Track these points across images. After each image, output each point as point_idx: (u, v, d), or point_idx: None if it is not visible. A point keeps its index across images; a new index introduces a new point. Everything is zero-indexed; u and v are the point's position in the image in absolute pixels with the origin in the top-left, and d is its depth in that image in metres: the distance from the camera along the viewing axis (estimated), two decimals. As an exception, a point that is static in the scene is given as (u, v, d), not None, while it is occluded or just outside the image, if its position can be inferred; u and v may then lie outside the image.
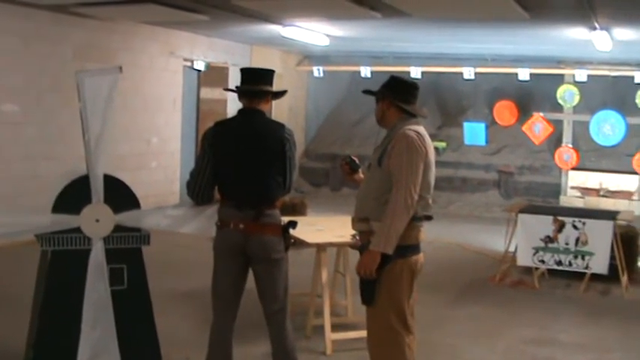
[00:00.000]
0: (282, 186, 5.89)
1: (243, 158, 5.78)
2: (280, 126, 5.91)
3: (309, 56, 20.17)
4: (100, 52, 13.84)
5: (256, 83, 5.92)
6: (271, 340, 6.01)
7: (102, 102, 5.53)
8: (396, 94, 5.34)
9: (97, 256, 5.53)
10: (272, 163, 5.79)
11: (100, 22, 13.57)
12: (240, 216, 5.74)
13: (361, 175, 5.87)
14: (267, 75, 6.03)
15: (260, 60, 18.36)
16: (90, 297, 5.45)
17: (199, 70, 16.83)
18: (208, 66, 16.86)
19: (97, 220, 5.58)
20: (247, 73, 6.03)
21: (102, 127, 5.52)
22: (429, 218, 5.29)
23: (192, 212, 6.14)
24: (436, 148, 18.00)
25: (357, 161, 5.97)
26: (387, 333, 5.22)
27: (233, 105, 17.05)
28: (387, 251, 5.01)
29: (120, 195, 5.74)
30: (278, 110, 19.15)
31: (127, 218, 5.70)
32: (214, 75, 17.20)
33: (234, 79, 16.91)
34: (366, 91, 5.64)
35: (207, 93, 17.30)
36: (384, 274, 5.11)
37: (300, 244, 7.12)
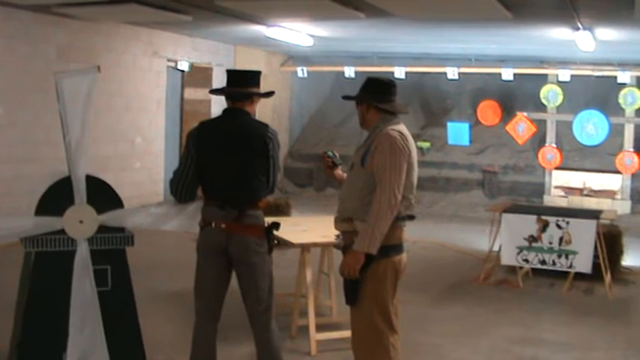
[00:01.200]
0: (266, 186, 5.86)
1: (226, 158, 5.77)
2: (264, 126, 5.91)
3: (293, 57, 20.18)
4: (84, 52, 13.81)
5: (241, 85, 5.94)
6: (255, 341, 5.99)
7: (81, 102, 5.50)
8: (373, 95, 5.35)
9: (83, 257, 5.52)
10: (255, 162, 5.77)
11: (83, 22, 13.54)
12: (223, 215, 5.73)
13: (341, 172, 5.88)
14: (253, 77, 6.04)
15: (244, 60, 18.35)
16: (76, 298, 5.44)
17: (183, 71, 16.81)
18: (192, 66, 16.84)
19: (80, 222, 5.57)
20: (233, 75, 6.05)
21: (82, 127, 5.50)
22: (411, 218, 5.28)
23: (175, 210, 6.12)
24: (420, 148, 18.14)
25: (337, 156, 5.96)
26: (372, 333, 5.21)
27: (217, 106, 17.06)
28: (371, 251, 5.00)
29: (103, 195, 5.72)
30: (262, 110, 19.12)
31: (110, 218, 5.69)
32: (198, 75, 17.19)
33: (219, 80, 16.98)
34: (346, 97, 5.66)
35: (191, 93, 17.28)
36: (368, 274, 5.10)
37: (284, 244, 7.12)
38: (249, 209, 5.78)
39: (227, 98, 6.00)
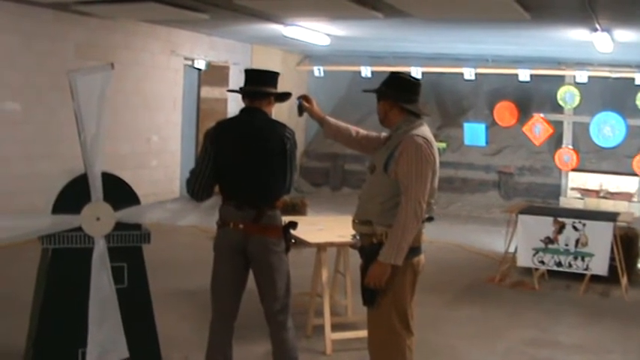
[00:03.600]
0: (283, 186, 5.85)
1: (244, 157, 5.76)
2: (282, 125, 5.89)
3: (310, 56, 20.18)
4: (101, 50, 13.85)
5: (259, 85, 5.95)
6: (272, 340, 5.99)
7: (95, 100, 5.51)
8: (399, 93, 5.24)
9: (100, 253, 5.54)
10: (273, 162, 5.76)
11: (101, 20, 13.58)
12: (241, 215, 5.72)
13: (317, 110, 5.83)
14: (270, 77, 6.05)
15: (261, 59, 18.37)
16: (95, 295, 5.46)
17: (200, 69, 16.83)
18: (209, 65, 16.86)
19: (97, 219, 5.60)
20: (251, 74, 6.08)
21: (97, 125, 5.51)
22: (430, 220, 5.23)
23: (191, 206, 6.05)
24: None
25: (303, 106, 5.88)
26: (389, 335, 5.17)
27: (234, 104, 17.10)
28: (398, 263, 4.96)
29: (119, 192, 5.74)
30: (278, 110, 19.02)
31: (127, 215, 5.71)
32: (215, 74, 17.21)
33: (235, 79, 17.00)
34: (367, 90, 5.52)
35: (207, 92, 17.31)
36: (388, 277, 5.04)
37: (300, 243, 7.12)
38: (267, 209, 5.76)
39: (244, 97, 6.02)
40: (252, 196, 5.76)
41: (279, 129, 5.85)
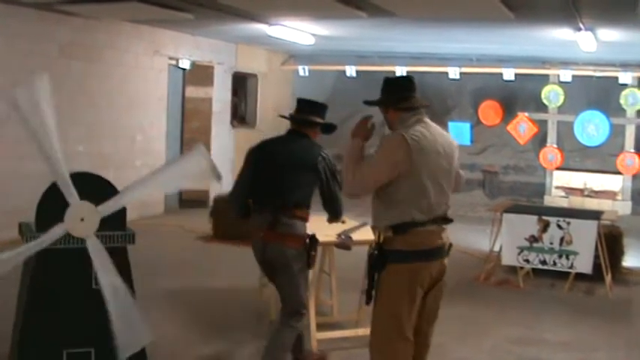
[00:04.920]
0: (307, 198, 6.24)
1: (274, 169, 6.25)
2: (319, 147, 6.36)
3: (295, 55, 20.16)
4: (85, 50, 13.81)
5: (308, 114, 6.49)
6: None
7: (36, 109, 5.49)
8: (389, 96, 5.31)
9: (96, 250, 5.52)
10: (299, 174, 6.19)
11: (85, 20, 13.52)
12: (259, 221, 6.15)
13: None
14: (319, 108, 6.55)
15: (245, 59, 18.37)
16: (107, 291, 5.44)
17: (184, 69, 16.80)
18: (193, 65, 16.83)
19: (82, 219, 5.57)
20: (302, 103, 6.59)
21: (45, 132, 5.49)
22: (437, 221, 5.13)
23: (175, 168, 6.09)
24: None
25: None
26: (380, 335, 5.13)
27: (218, 104, 17.11)
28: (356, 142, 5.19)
29: (99, 189, 5.74)
30: (263, 109, 19.15)
31: (109, 207, 5.68)
32: (200, 74, 17.18)
33: (220, 79, 17.00)
34: (367, 102, 5.56)
35: (192, 92, 17.27)
36: (383, 277, 5.05)
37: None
38: (284, 216, 6.09)
39: (293, 122, 6.55)
40: (271, 201, 6.15)
41: (315, 149, 6.30)
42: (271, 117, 19.23)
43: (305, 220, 6.26)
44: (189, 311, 8.14)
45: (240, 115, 18.94)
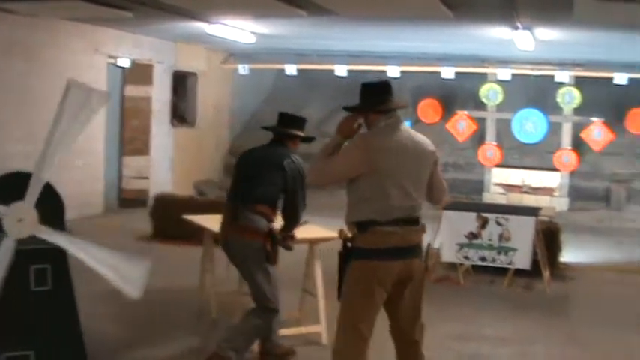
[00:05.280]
0: (270, 196, 6.55)
1: (245, 170, 6.77)
2: (292, 153, 6.77)
3: (235, 54, 20.09)
4: (24, 48, 13.65)
5: (289, 127, 6.92)
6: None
7: (82, 115, 5.50)
8: (367, 100, 5.51)
9: (6, 251, 5.43)
10: (266, 172, 6.58)
11: (24, 17, 13.36)
12: (225, 217, 6.68)
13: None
14: (299, 122, 7.01)
15: (185, 58, 18.28)
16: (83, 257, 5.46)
17: (124, 68, 16.66)
18: (133, 63, 16.70)
19: (20, 220, 5.50)
20: (282, 117, 7.04)
21: (62, 139, 5.49)
22: (402, 222, 5.22)
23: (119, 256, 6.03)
24: None
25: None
26: (338, 327, 5.29)
27: (158, 103, 16.99)
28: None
29: (51, 207, 5.68)
30: (203, 108, 19.07)
31: (49, 235, 5.60)
32: (139, 72, 17.04)
33: (159, 77, 16.90)
34: (346, 108, 5.67)
35: (131, 90, 17.12)
36: (347, 272, 5.22)
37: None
38: (246, 210, 6.46)
39: (274, 134, 6.97)
40: (235, 196, 6.64)
41: (286, 153, 6.71)
42: (211, 115, 19.20)
43: (267, 217, 6.50)
44: (130, 311, 8.09)
45: (180, 114, 18.84)
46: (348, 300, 5.23)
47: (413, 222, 5.29)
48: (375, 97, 5.45)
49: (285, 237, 6.78)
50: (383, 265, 5.15)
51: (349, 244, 5.23)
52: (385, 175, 5.15)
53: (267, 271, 6.48)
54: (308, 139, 7.03)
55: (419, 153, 5.34)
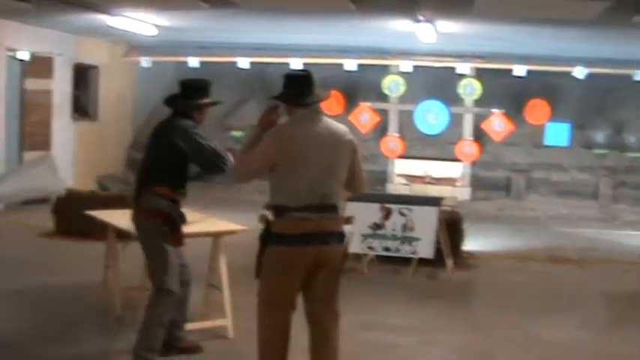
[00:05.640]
0: (168, 175, 6.42)
1: (145, 151, 6.66)
2: (180, 120, 6.53)
3: (137, 46, 19.87)
4: None
5: (192, 96, 6.67)
6: None
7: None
8: (287, 90, 5.60)
9: None
10: (158, 151, 6.48)
11: None
12: (132, 198, 6.60)
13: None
14: (202, 88, 6.76)
15: (86, 50, 18.01)
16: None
17: (23, 60, 16.33)
18: (33, 56, 16.39)
19: None
20: (185, 86, 6.79)
21: None
22: (315, 209, 5.38)
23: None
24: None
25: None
26: (258, 308, 5.53)
27: (59, 96, 16.69)
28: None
29: None
30: (106, 101, 18.82)
31: None
32: (39, 65, 16.73)
33: (60, 70, 16.60)
34: (273, 97, 5.74)
35: (31, 84, 16.79)
36: (265, 256, 5.44)
37: (128, 236, 7.10)
38: (143, 192, 6.41)
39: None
40: (136, 177, 6.65)
41: (175, 126, 6.49)
42: (113, 109, 18.97)
43: (166, 197, 6.40)
44: (34, 310, 7.97)
45: (82, 108, 18.55)
46: (265, 282, 5.46)
47: (328, 209, 5.44)
48: (294, 88, 5.55)
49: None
50: (296, 251, 5.34)
51: (268, 229, 5.42)
52: (297, 162, 5.33)
53: (165, 252, 6.39)
54: (213, 104, 6.84)
55: (335, 142, 5.54)
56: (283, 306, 5.45)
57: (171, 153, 6.38)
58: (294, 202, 5.31)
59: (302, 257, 5.36)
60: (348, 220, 6.30)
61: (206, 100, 6.71)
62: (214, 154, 6.40)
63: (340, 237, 5.58)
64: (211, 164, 6.43)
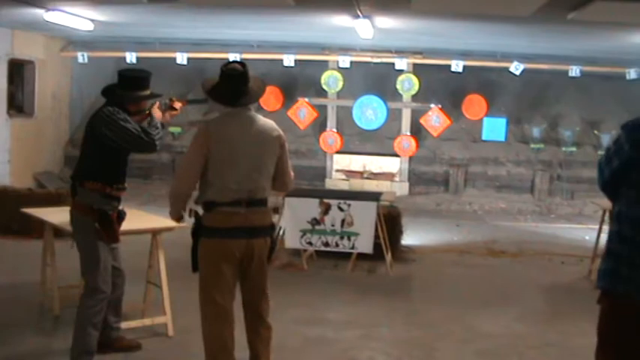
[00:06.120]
0: (99, 169, 6.29)
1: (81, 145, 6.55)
2: (99, 115, 6.30)
3: (74, 42, 19.68)
4: None
5: (131, 88, 6.48)
6: None
7: None
8: (222, 89, 5.63)
9: None
10: (88, 144, 6.36)
11: None
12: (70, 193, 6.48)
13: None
14: (140, 80, 6.55)
15: (22, 45, 17.77)
16: None
17: (-44, 56, 16.11)
18: (-34, 51, 16.16)
19: None
20: (123, 77, 6.57)
21: None
22: (245, 204, 5.48)
23: None
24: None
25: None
26: (199, 302, 5.64)
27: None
28: (175, 217, 5.75)
29: None
30: (42, 97, 18.60)
31: None
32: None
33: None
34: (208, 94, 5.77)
35: (-34, 79, 16.59)
36: (198, 249, 5.57)
37: (66, 234, 7.03)
38: (78, 186, 6.31)
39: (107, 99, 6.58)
40: (72, 171, 6.49)
41: (100, 113, 6.32)
42: (50, 105, 18.75)
43: (99, 192, 6.29)
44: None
45: (17, 104, 18.31)
46: (201, 275, 5.58)
47: (256, 203, 5.55)
48: (233, 86, 5.59)
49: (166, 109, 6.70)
50: (226, 243, 5.48)
51: (199, 223, 5.53)
52: (223, 158, 5.42)
53: (97, 249, 6.27)
54: (150, 97, 6.60)
55: (262, 138, 5.57)
56: (221, 295, 5.52)
57: (100, 144, 6.21)
58: (223, 197, 5.43)
59: (231, 250, 5.47)
60: (276, 210, 6.37)
61: (143, 93, 6.51)
62: (141, 135, 6.23)
63: (269, 230, 5.73)
64: (142, 146, 6.28)
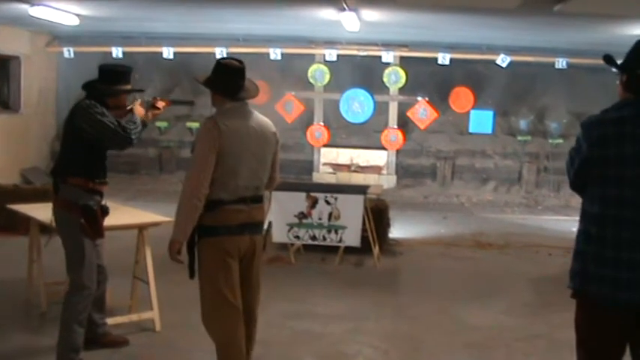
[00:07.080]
0: (79, 163, 6.20)
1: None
2: (76, 109, 6.21)
3: (59, 37, 19.60)
4: None
5: (112, 82, 6.42)
6: None
7: None
8: (218, 81, 5.52)
9: None
10: (67, 139, 6.34)
11: None
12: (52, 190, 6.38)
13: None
14: (120, 74, 6.52)
15: (7, 40, 17.69)
16: None
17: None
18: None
19: None
20: (103, 72, 6.54)
21: None
22: (249, 201, 5.45)
23: None
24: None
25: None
26: (207, 306, 5.48)
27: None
28: (179, 239, 5.26)
29: None
30: (28, 93, 18.53)
31: None
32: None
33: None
34: (200, 81, 5.69)
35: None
36: (199, 251, 5.42)
37: (51, 230, 7.00)
38: (60, 182, 6.23)
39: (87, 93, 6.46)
40: (52, 168, 6.40)
41: (79, 105, 6.21)
42: (36, 101, 18.68)
43: (82, 188, 6.23)
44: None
45: (3, 100, 18.25)
46: (207, 274, 5.43)
47: (257, 200, 5.55)
48: (231, 80, 5.52)
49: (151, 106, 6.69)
50: (231, 240, 5.39)
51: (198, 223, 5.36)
52: (234, 155, 5.31)
53: (82, 246, 6.24)
54: (130, 91, 6.61)
55: (264, 135, 5.56)
56: (232, 293, 5.43)
57: (79, 138, 6.16)
58: (231, 195, 5.34)
59: (236, 246, 5.42)
60: None
61: (122, 87, 6.47)
62: (117, 129, 6.17)
63: (262, 226, 5.73)
64: (117, 140, 6.21)
